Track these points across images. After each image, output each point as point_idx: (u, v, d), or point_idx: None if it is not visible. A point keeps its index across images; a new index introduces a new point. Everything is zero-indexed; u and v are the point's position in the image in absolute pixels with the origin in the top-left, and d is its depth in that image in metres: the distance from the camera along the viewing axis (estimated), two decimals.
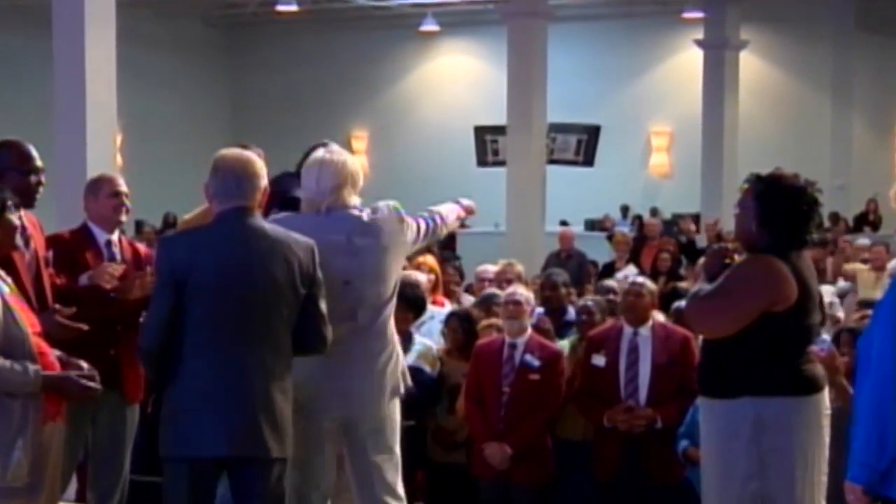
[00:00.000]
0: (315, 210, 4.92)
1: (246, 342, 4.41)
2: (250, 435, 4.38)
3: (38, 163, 5.12)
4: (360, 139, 26.59)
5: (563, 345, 7.40)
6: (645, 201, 23.48)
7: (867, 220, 21.44)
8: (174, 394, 4.43)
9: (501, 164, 17.79)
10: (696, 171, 19.36)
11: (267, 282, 4.44)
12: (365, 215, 4.94)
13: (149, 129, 21.92)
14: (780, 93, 23.30)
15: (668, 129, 24.47)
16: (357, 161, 5.15)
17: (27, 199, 4.94)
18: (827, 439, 4.90)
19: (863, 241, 13.55)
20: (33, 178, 5.04)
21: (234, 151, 4.66)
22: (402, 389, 5.03)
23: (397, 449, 5.04)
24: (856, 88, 22.39)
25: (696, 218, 18.53)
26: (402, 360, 5.06)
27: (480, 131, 22.14)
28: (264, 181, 4.62)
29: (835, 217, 20.07)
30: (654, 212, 22.60)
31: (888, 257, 12.17)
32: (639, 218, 22.49)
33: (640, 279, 7.34)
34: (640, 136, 24.62)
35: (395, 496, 5.02)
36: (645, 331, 6.80)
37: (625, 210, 23.46)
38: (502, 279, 9.27)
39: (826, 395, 4.93)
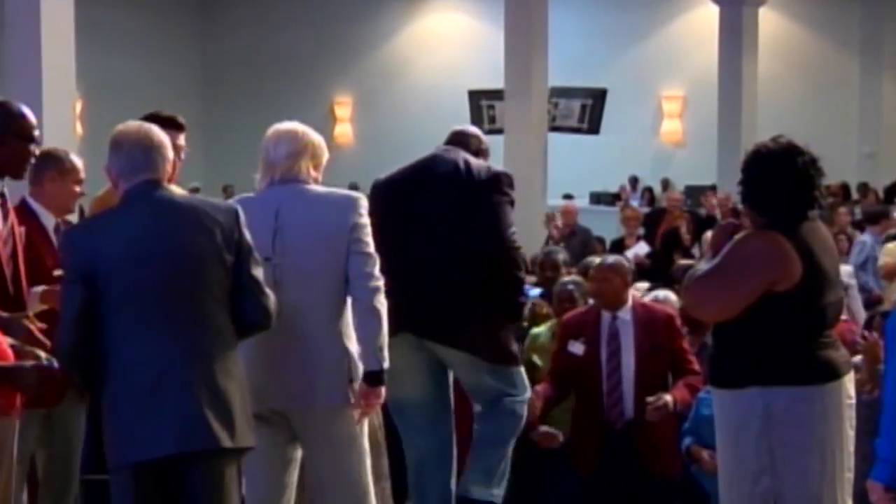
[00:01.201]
0: (269, 178, 5.07)
1: (175, 327, 4.35)
2: (195, 427, 4.30)
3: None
4: (344, 106, 26.56)
5: (542, 331, 7.39)
6: (655, 172, 23.49)
7: None
8: (105, 393, 4.37)
9: (499, 131, 17.70)
10: (712, 139, 19.33)
11: (187, 256, 4.40)
12: (319, 188, 5.07)
13: (111, 95, 21.83)
14: (803, 52, 23.27)
15: (681, 94, 24.45)
16: (323, 141, 5.25)
17: (19, 169, 4.97)
18: (850, 432, 4.85)
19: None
20: (32, 148, 5.01)
21: (134, 124, 4.63)
22: (353, 374, 4.97)
23: (359, 443, 5.04)
24: (886, 46, 22.37)
25: (712, 190, 18.53)
26: (353, 342, 5.01)
27: (476, 96, 22.04)
28: (171, 152, 4.63)
29: (864, 188, 20.07)
30: (666, 183, 22.63)
31: None
32: (649, 190, 22.51)
33: (612, 259, 7.33)
34: (651, 100, 24.61)
35: (354, 494, 5.02)
36: (625, 314, 6.79)
37: (634, 182, 23.48)
38: None
39: (847, 383, 4.86)
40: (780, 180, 4.82)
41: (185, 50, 26.46)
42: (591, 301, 7.22)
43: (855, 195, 18.90)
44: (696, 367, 6.71)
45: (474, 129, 6.31)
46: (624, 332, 6.74)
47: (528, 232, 12.98)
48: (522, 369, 5.85)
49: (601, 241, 15.03)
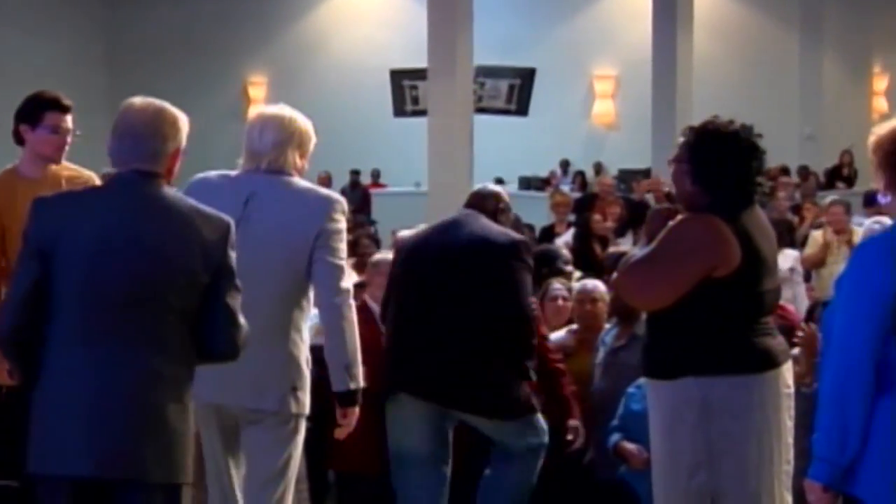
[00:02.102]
0: (255, 166, 5.05)
1: (124, 337, 4.07)
2: (124, 453, 4.03)
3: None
4: (258, 86, 26.42)
5: None
6: (588, 155, 23.58)
7: (841, 175, 21.69)
8: (38, 394, 4.14)
9: (422, 113, 17.73)
10: (646, 121, 19.43)
11: (154, 264, 4.10)
12: (300, 183, 5.06)
13: (6, 77, 21.60)
14: (741, 30, 23.47)
15: (614, 73, 24.56)
16: (310, 127, 5.20)
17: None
18: (789, 422, 4.91)
19: (832, 199, 13.54)
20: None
21: (139, 103, 4.31)
22: (297, 383, 5.01)
23: (288, 450, 5.07)
24: (827, 24, 22.59)
25: (646, 174, 18.62)
26: (301, 351, 5.03)
27: (398, 76, 22.07)
28: (175, 142, 4.25)
29: (804, 171, 20.28)
30: (599, 167, 22.73)
31: (847, 219, 12.14)
32: (581, 174, 22.60)
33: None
34: (582, 81, 24.69)
35: (261, 500, 5.06)
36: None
37: (565, 166, 23.55)
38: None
39: (785, 372, 4.92)
40: (731, 161, 4.89)
41: (91, 30, 26.18)
42: None
43: (795, 178, 19.08)
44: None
45: (492, 189, 6.54)
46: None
47: None
48: (539, 414, 6.20)
49: (531, 228, 15.05)
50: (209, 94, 24.65)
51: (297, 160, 5.08)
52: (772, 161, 20.76)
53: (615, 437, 6.49)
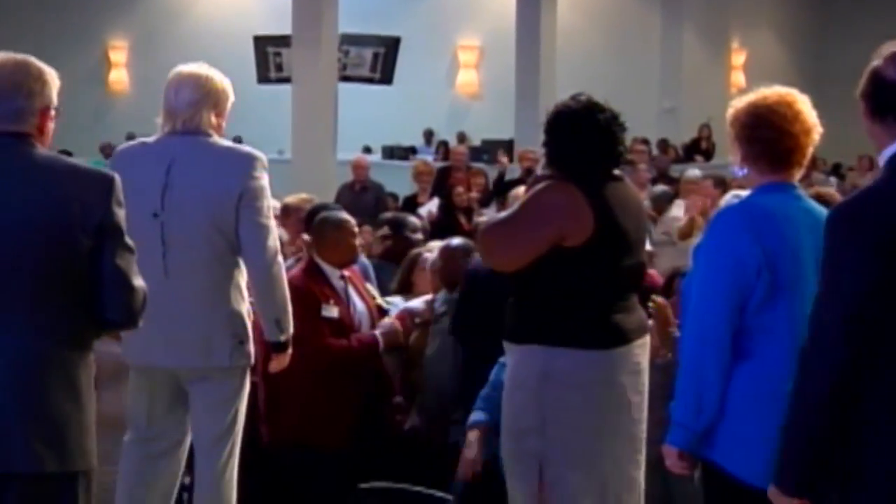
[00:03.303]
0: (171, 125, 5.06)
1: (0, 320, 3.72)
2: (7, 446, 3.71)
3: None
4: (119, 50, 26.06)
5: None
6: (451, 125, 23.63)
7: (699, 149, 22.00)
8: None
9: (286, 80, 17.63)
10: (510, 92, 19.53)
11: (27, 233, 3.71)
12: (219, 142, 5.07)
13: None
14: (603, 4, 23.68)
15: (478, 44, 24.63)
16: (228, 85, 5.20)
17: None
18: (636, 398, 4.87)
19: (693, 172, 13.69)
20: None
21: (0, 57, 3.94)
22: (243, 336, 5.09)
23: (238, 405, 5.14)
24: (687, 0, 22.85)
25: (509, 145, 18.70)
26: (242, 305, 5.11)
27: (261, 42, 21.82)
28: (43, 99, 3.87)
29: (663, 144, 20.54)
30: (462, 137, 22.78)
31: (717, 193, 12.22)
32: (444, 144, 22.65)
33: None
34: (446, 50, 24.73)
35: (214, 456, 5.11)
36: (346, 271, 6.84)
37: (429, 135, 23.59)
38: (301, 218, 9.11)
39: (637, 349, 4.89)
40: (581, 139, 4.87)
41: None
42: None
43: (655, 151, 19.30)
44: None
45: None
46: (351, 290, 6.72)
47: (318, 186, 12.97)
48: None
49: (394, 196, 15.08)
50: (67, 56, 24.17)
51: (214, 119, 5.10)
52: (633, 133, 21.01)
53: (477, 415, 6.25)
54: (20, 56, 3.94)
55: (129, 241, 3.85)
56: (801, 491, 3.64)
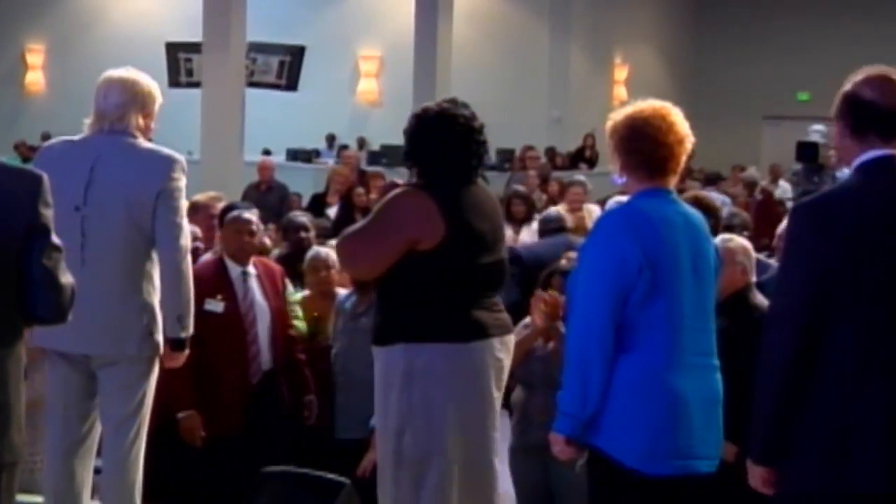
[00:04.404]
0: (99, 127, 5.05)
1: None
2: None
3: None
4: (36, 53, 25.67)
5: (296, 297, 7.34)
6: (352, 130, 23.58)
7: (584, 157, 22.15)
8: None
9: (196, 85, 17.51)
10: (408, 100, 19.52)
11: None
12: (143, 144, 5.07)
13: None
14: (496, 20, 23.73)
15: (378, 54, 24.59)
16: (155, 87, 5.24)
17: None
18: (496, 392, 4.84)
19: (579, 177, 13.83)
20: None
21: None
22: (152, 327, 5.07)
23: (145, 394, 5.10)
24: (574, 14, 22.99)
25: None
26: (153, 298, 5.08)
27: (173, 48, 21.71)
28: None
29: (551, 152, 20.65)
30: (362, 142, 22.75)
31: (586, 198, 12.37)
32: (345, 148, 22.61)
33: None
34: (348, 59, 24.66)
35: (121, 437, 5.07)
36: (251, 269, 6.71)
37: (331, 139, 23.52)
38: (210, 214, 9.03)
39: (498, 344, 4.84)
40: (437, 142, 4.85)
41: None
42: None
43: (543, 158, 19.40)
44: None
45: None
46: (253, 287, 6.63)
47: (225, 185, 12.88)
48: None
49: (298, 196, 15.06)
50: None
51: (141, 121, 5.11)
52: (521, 141, 21.19)
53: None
54: None
55: (56, 240, 3.72)
56: (765, 460, 3.75)
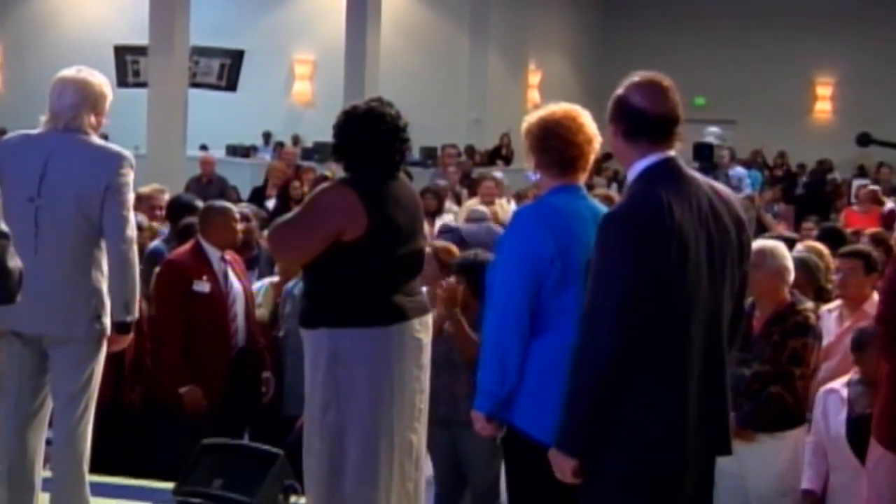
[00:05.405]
0: (53, 126, 4.98)
1: None
2: None
3: None
4: None
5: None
6: (287, 129, 23.48)
7: (500, 155, 22.21)
8: None
9: (143, 85, 17.32)
10: (338, 101, 19.44)
11: None
12: (94, 141, 5.00)
13: None
14: (421, 27, 23.73)
15: (312, 58, 24.50)
16: (107, 85, 5.18)
17: None
18: (417, 371, 4.82)
19: (495, 174, 13.88)
20: None
21: None
22: (100, 311, 5.01)
23: (93, 375, 5.06)
24: (492, 22, 23.02)
25: None
26: (102, 284, 5.02)
27: (121, 51, 21.41)
28: None
29: (470, 150, 20.69)
30: (296, 139, 22.66)
31: (498, 192, 12.47)
32: (280, 145, 22.52)
33: None
34: (284, 63, 24.56)
35: (70, 411, 5.02)
36: (229, 255, 6.86)
37: (267, 136, 23.43)
38: (153, 205, 8.99)
39: (417, 325, 4.82)
40: (363, 139, 4.79)
41: None
42: None
43: (464, 157, 19.44)
44: None
45: None
46: (229, 270, 6.72)
47: (168, 178, 12.78)
48: None
49: (236, 189, 15.04)
50: None
51: (92, 119, 5.04)
52: (443, 140, 21.16)
53: None
54: None
55: (3, 226, 3.58)
56: (580, 453, 3.69)
